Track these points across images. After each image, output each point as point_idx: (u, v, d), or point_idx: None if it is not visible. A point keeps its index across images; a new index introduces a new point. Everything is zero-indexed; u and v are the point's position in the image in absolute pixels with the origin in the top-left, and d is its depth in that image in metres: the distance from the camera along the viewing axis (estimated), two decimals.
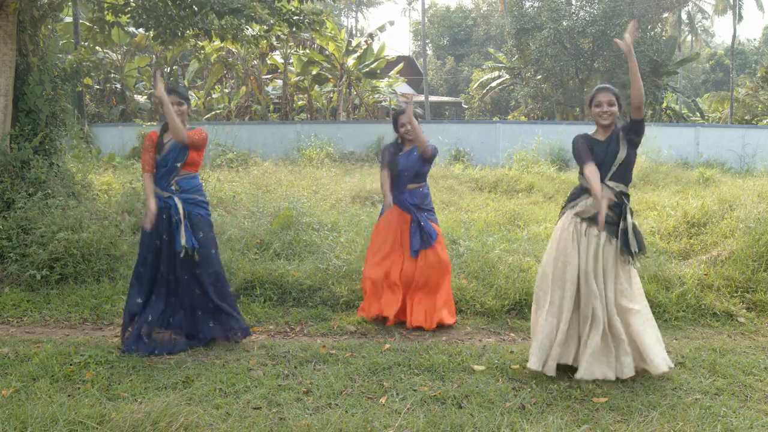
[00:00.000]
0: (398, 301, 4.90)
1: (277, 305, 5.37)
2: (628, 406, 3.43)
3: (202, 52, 17.75)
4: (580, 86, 23.20)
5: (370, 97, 22.91)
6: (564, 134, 14.83)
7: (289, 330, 4.88)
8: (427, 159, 4.90)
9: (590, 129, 4.00)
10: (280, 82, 22.51)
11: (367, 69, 21.06)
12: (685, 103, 30.89)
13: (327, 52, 20.87)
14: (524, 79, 25.30)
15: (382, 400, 3.46)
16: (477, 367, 3.98)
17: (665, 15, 27.44)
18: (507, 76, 28.78)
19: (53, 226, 5.95)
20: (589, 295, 3.71)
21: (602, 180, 3.75)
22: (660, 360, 3.72)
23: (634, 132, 3.76)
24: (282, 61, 21.08)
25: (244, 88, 21.76)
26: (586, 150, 3.81)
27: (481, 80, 31.17)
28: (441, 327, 4.87)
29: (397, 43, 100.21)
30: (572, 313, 3.76)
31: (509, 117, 32.23)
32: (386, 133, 13.94)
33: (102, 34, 8.61)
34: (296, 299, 5.44)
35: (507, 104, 36.74)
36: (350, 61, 20.95)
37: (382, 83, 23.15)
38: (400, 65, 26.24)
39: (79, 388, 3.56)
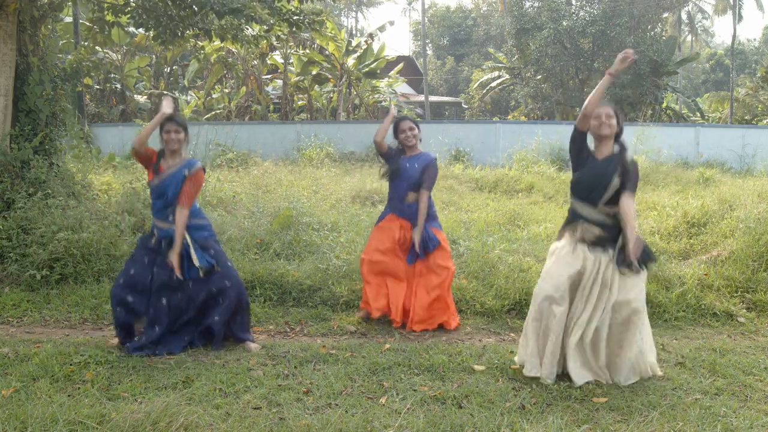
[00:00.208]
0: (401, 294, 4.84)
1: (277, 305, 5.38)
2: (628, 406, 3.43)
3: (202, 52, 17.77)
4: (580, 86, 23.19)
5: (370, 97, 22.90)
6: (564, 134, 14.75)
7: (289, 330, 4.89)
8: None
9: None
10: (280, 82, 22.50)
11: (367, 69, 21.05)
12: (685, 103, 30.89)
13: (327, 52, 20.87)
14: (524, 79, 25.30)
15: (382, 400, 3.45)
16: (477, 367, 3.98)
17: (665, 15, 27.45)
18: (507, 76, 28.78)
19: (53, 226, 5.95)
20: (578, 318, 3.71)
21: (596, 206, 3.72)
22: (626, 373, 3.73)
23: (629, 177, 3.68)
24: (282, 61, 21.07)
25: (244, 88, 21.75)
26: (575, 155, 3.79)
27: (481, 80, 31.16)
28: (441, 327, 4.88)
29: (397, 43, 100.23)
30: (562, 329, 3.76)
31: (509, 117, 32.22)
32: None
33: (102, 34, 8.62)
34: (296, 299, 5.44)
35: (507, 104, 36.73)
36: (350, 61, 20.95)
37: (382, 83, 23.14)
38: (400, 65, 26.24)
39: (79, 388, 3.56)
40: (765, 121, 23.85)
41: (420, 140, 4.93)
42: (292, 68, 21.37)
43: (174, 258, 4.14)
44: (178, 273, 4.13)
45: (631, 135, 13.51)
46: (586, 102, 3.62)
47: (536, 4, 23.99)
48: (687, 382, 3.76)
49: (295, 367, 3.98)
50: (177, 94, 20.57)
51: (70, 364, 3.91)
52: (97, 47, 10.05)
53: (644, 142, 13.31)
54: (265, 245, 6.53)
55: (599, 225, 3.72)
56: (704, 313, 5.15)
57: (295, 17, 8.29)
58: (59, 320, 5.08)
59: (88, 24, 9.22)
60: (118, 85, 20.33)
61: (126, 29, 13.78)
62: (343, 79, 21.13)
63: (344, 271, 5.64)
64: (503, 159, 14.94)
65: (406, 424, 3.14)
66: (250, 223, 7.10)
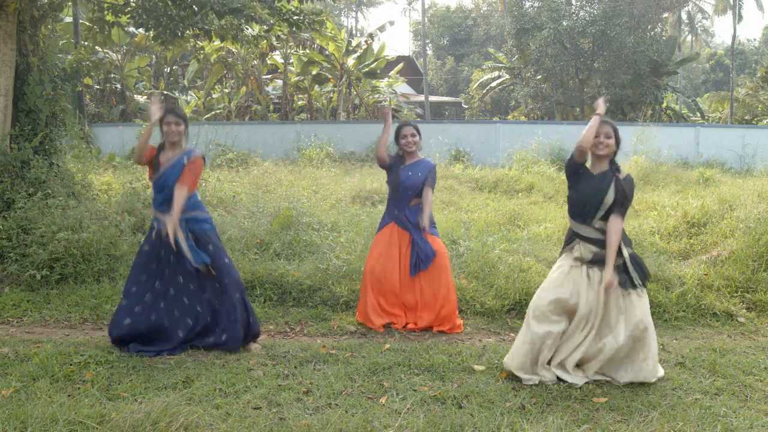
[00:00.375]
0: (402, 316, 4.90)
1: (277, 305, 5.38)
2: (628, 406, 3.43)
3: (202, 52, 17.76)
4: (580, 86, 23.19)
5: (370, 97, 22.90)
6: (564, 134, 14.83)
7: (289, 330, 4.89)
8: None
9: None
10: (280, 82, 22.50)
11: (367, 69, 21.05)
12: (685, 103, 30.90)
13: (327, 52, 20.87)
14: (524, 79, 25.30)
15: (382, 400, 3.46)
16: (477, 367, 3.98)
17: (665, 15, 27.44)
18: (507, 76, 28.78)
19: (53, 226, 5.95)
20: (579, 334, 3.76)
21: (590, 223, 3.75)
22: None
23: (624, 197, 3.72)
24: (282, 61, 21.07)
25: (244, 88, 21.75)
26: (571, 175, 3.86)
27: (481, 80, 31.16)
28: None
29: (397, 43, 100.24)
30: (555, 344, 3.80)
31: (509, 117, 32.22)
32: None
33: (102, 34, 8.62)
34: (296, 299, 5.44)
35: (507, 104, 36.73)
36: (350, 61, 20.95)
37: (382, 83, 23.14)
38: (400, 65, 26.24)
39: (79, 388, 3.56)
40: (765, 121, 23.85)
41: (420, 148, 4.94)
42: (292, 68, 21.37)
43: (169, 225, 4.08)
44: (172, 240, 4.08)
45: (631, 135, 13.53)
46: (581, 138, 3.68)
47: (536, 4, 23.98)
48: (687, 382, 3.76)
49: (295, 367, 3.98)
50: (177, 94, 20.57)
51: (70, 364, 3.91)
52: (97, 47, 10.06)
53: (644, 142, 13.31)
54: (265, 245, 6.52)
55: (596, 243, 3.75)
56: (704, 313, 5.15)
57: (295, 17, 8.29)
58: (59, 320, 5.08)
59: (88, 24, 9.22)
60: (118, 85, 20.33)
61: (126, 29, 13.78)
62: (343, 79, 21.13)
63: (344, 271, 5.64)
64: (503, 159, 14.94)
65: (406, 424, 3.14)
66: (250, 223, 7.10)
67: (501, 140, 16.60)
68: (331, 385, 3.64)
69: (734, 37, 30.69)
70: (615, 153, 3.80)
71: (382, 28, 22.50)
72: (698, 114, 27.23)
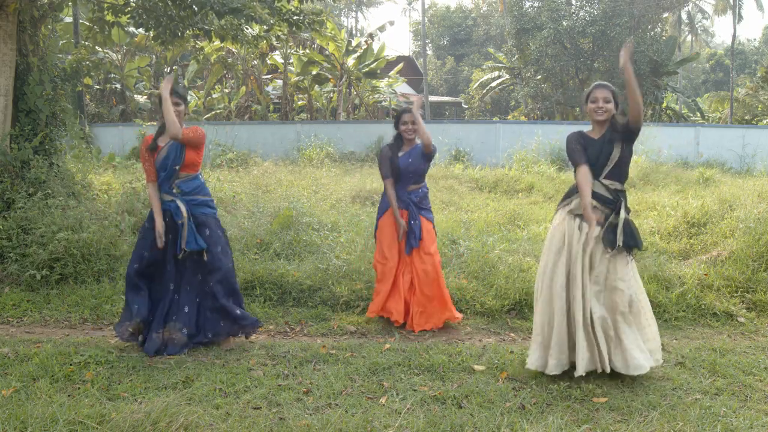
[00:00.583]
0: (401, 304, 4.91)
1: (277, 305, 5.37)
2: (628, 406, 3.43)
3: (202, 52, 17.77)
4: (580, 86, 23.19)
5: (370, 97, 22.92)
6: (564, 134, 14.65)
7: (289, 330, 4.88)
8: (429, 155, 4.90)
9: (590, 128, 3.97)
10: (280, 82, 22.52)
11: (367, 69, 21.06)
12: (685, 103, 30.90)
13: (327, 52, 20.88)
14: (524, 79, 25.30)
15: (382, 400, 3.45)
16: (477, 367, 3.98)
17: (665, 15, 27.44)
18: (507, 76, 28.79)
19: (53, 226, 5.95)
20: (573, 301, 3.69)
21: (597, 178, 3.73)
22: (640, 362, 3.67)
23: (629, 133, 3.73)
24: (282, 61, 21.08)
25: (244, 88, 21.76)
26: (579, 150, 3.77)
27: (481, 80, 31.18)
28: (447, 323, 4.90)
29: (397, 43, 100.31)
30: (564, 316, 3.74)
31: (509, 117, 32.23)
32: (386, 133, 13.93)
33: (102, 34, 8.62)
34: (296, 299, 5.44)
35: (507, 104, 36.74)
36: (350, 61, 20.96)
37: (382, 83, 23.16)
38: (400, 65, 26.25)
39: (79, 388, 3.56)
40: (765, 121, 23.86)
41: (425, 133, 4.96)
42: (292, 68, 21.38)
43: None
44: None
45: None
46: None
47: (536, 4, 23.99)
48: (687, 382, 3.75)
49: (295, 367, 3.98)
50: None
51: (70, 364, 3.91)
52: (97, 47, 10.06)
53: (644, 142, 13.31)
54: (265, 245, 6.53)
55: (596, 198, 3.70)
56: (704, 313, 5.15)
57: (295, 17, 8.30)
58: (59, 320, 5.08)
59: (88, 24, 9.23)
60: (118, 85, 20.35)
61: (126, 29, 13.78)
62: (343, 79, 21.14)
63: (344, 271, 5.64)
64: (503, 159, 14.95)
65: (406, 424, 3.14)
66: (250, 223, 7.10)
67: (501, 140, 16.60)
68: (331, 385, 3.64)
69: (734, 37, 30.73)
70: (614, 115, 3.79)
71: (382, 28, 22.51)
72: (698, 114, 27.25)
